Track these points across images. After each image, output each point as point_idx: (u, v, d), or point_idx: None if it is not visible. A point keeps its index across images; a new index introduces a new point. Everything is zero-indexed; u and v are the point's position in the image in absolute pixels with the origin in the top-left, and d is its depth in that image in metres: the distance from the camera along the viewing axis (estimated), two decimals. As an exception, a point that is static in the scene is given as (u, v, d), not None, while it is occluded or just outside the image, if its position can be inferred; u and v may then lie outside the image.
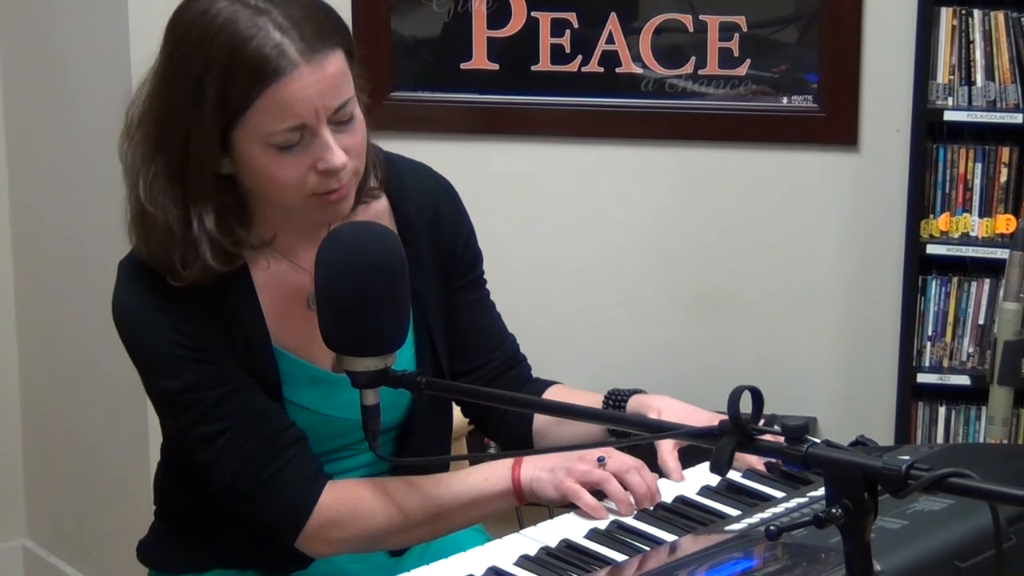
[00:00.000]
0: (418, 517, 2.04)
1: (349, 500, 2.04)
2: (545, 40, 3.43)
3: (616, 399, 2.17)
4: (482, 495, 2.04)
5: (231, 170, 1.95)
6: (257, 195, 1.98)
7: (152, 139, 1.95)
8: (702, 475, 2.09)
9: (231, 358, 2.01)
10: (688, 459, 2.12)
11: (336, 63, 1.90)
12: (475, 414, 2.30)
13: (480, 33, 3.45)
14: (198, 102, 1.88)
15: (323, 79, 1.88)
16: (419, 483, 2.06)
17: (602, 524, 1.96)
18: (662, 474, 2.09)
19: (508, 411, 2.24)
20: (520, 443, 2.24)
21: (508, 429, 2.25)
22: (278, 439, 2.02)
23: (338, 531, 2.04)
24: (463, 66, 3.48)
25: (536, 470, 2.03)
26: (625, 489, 2.00)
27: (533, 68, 3.45)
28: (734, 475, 2.06)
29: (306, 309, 2.06)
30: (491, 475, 2.05)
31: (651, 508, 2.00)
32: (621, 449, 2.07)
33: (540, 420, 2.23)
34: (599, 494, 2.01)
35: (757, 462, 2.09)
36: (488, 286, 2.26)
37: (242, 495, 2.03)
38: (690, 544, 1.82)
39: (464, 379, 2.19)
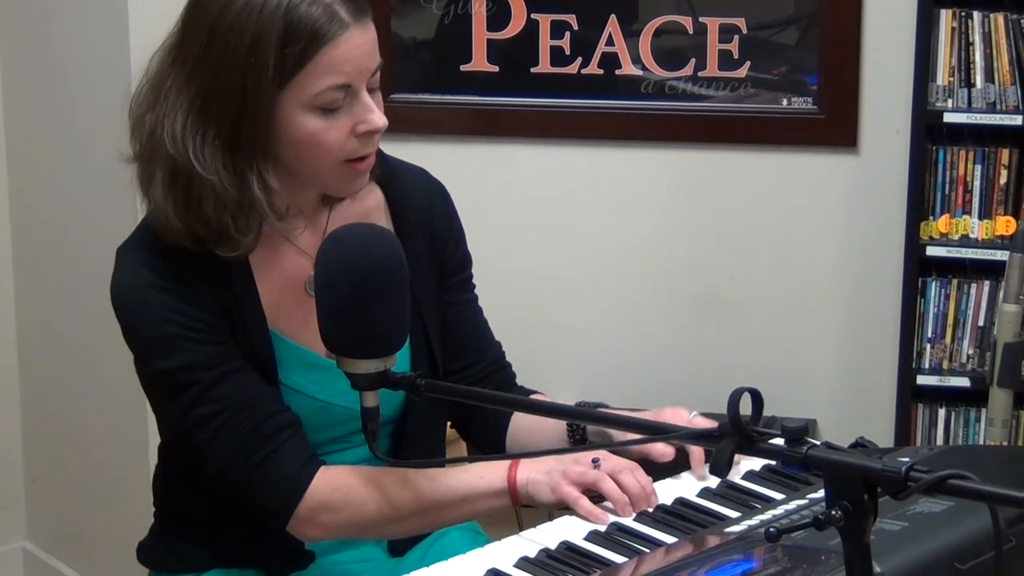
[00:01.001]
0: (411, 508, 2.04)
1: (342, 486, 2.04)
2: (545, 42, 3.43)
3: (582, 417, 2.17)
4: (476, 492, 2.04)
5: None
6: (286, 167, 2.00)
7: (199, 115, 1.96)
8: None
9: (228, 340, 2.03)
10: (687, 461, 2.12)
11: (372, 28, 1.99)
12: (459, 416, 2.30)
13: (480, 35, 3.45)
14: (255, 71, 1.92)
15: (367, 40, 1.97)
16: (413, 475, 2.06)
17: (602, 526, 1.96)
18: (658, 476, 2.09)
19: (486, 417, 2.26)
20: (492, 449, 2.26)
21: (483, 435, 2.28)
22: (272, 421, 2.03)
23: (330, 515, 2.04)
24: (463, 68, 3.48)
25: (532, 472, 2.03)
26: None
27: (533, 70, 3.45)
28: (734, 477, 2.06)
29: (303, 294, 2.07)
30: (487, 474, 2.05)
31: (651, 510, 2.00)
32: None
33: (514, 428, 2.25)
34: (596, 498, 2.01)
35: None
36: (489, 288, 2.26)
37: (235, 477, 2.04)
38: (690, 546, 1.82)
39: (451, 378, 2.20)
